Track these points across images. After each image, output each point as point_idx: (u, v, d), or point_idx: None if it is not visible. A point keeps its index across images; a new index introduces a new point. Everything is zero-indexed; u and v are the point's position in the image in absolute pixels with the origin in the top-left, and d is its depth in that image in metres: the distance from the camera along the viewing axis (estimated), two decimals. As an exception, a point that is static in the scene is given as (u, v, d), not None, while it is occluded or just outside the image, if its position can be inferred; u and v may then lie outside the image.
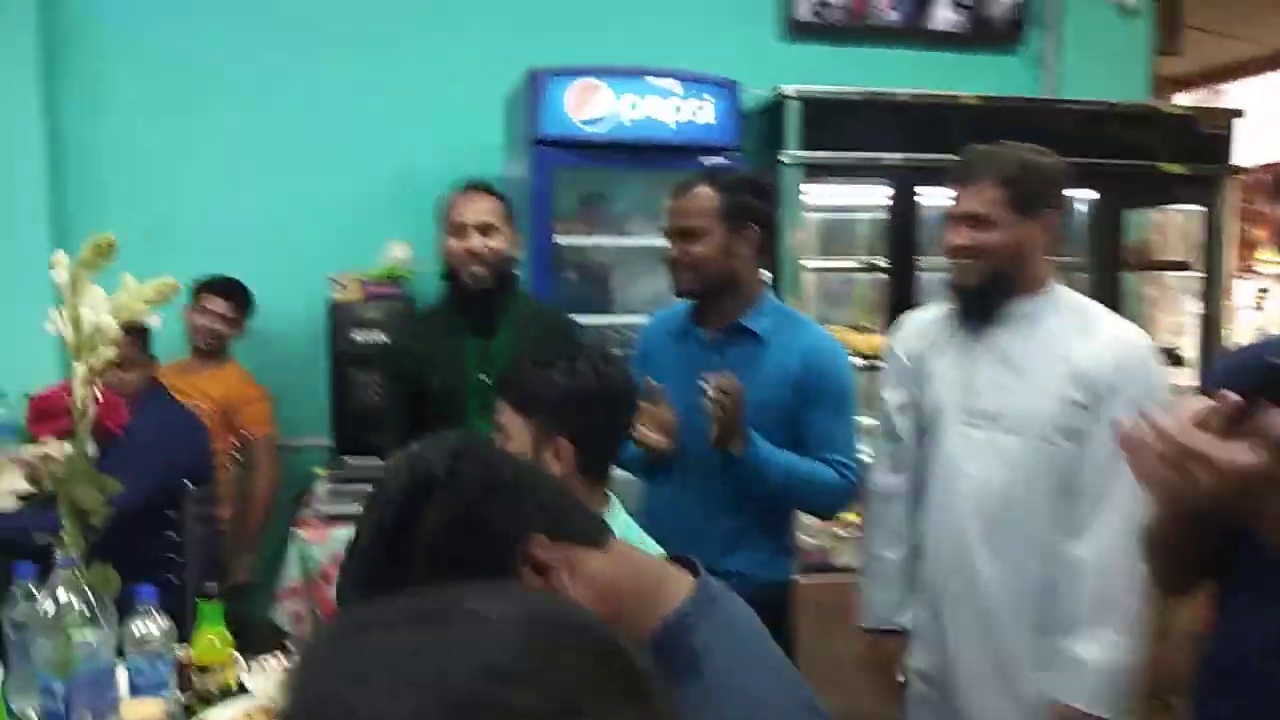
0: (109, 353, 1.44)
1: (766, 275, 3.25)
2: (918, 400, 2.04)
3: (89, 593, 1.45)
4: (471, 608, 0.55)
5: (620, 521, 1.58)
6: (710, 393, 1.91)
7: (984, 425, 1.90)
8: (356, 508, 0.95)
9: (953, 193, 1.93)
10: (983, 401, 1.90)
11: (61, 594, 1.43)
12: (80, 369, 1.42)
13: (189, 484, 2.76)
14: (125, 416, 2.12)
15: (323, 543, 3.08)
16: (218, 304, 3.41)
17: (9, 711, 1.51)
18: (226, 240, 3.65)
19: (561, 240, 3.28)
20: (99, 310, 1.43)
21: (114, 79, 3.64)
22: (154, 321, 1.50)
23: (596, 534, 0.96)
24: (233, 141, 3.72)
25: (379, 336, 3.40)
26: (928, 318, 2.09)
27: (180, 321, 3.39)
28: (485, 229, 2.36)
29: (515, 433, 1.58)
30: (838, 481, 2.07)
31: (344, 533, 1.87)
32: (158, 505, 2.64)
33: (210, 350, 3.41)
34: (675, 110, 3.27)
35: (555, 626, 0.54)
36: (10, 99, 3.43)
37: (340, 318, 3.46)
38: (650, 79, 3.26)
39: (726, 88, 3.32)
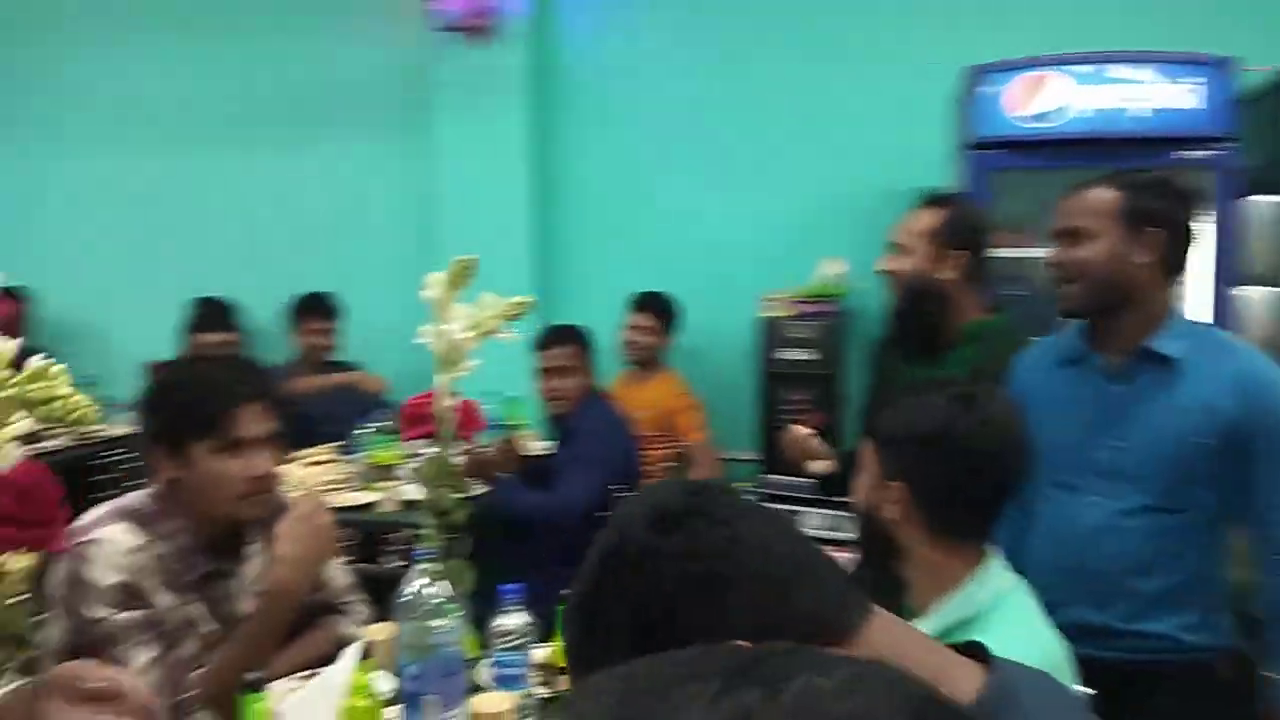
0: (469, 365, 1.56)
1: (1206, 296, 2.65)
2: None
3: (446, 585, 1.57)
4: (807, 674, 0.45)
5: (994, 586, 1.34)
6: None
7: None
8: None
9: None
10: None
11: (421, 584, 1.57)
12: (443, 380, 1.56)
13: (620, 486, 2.94)
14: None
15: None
16: (638, 318, 3.61)
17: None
18: (671, 258, 3.86)
19: (998, 253, 2.95)
20: (461, 327, 1.55)
21: (588, 125, 4.07)
22: (509, 334, 1.59)
23: (831, 630, 0.79)
24: (674, 165, 3.94)
25: (806, 355, 3.35)
26: None
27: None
28: (900, 249, 2.20)
29: (869, 465, 1.43)
30: None
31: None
32: (596, 504, 2.85)
33: (640, 361, 3.61)
34: (1145, 98, 2.79)
35: (931, 703, 0.46)
36: (502, 143, 3.97)
37: (770, 335, 3.47)
38: (1113, 65, 2.82)
39: (1217, 67, 2.75)
